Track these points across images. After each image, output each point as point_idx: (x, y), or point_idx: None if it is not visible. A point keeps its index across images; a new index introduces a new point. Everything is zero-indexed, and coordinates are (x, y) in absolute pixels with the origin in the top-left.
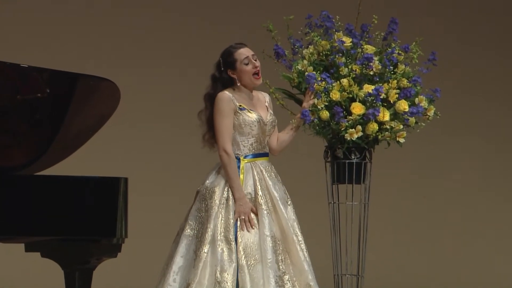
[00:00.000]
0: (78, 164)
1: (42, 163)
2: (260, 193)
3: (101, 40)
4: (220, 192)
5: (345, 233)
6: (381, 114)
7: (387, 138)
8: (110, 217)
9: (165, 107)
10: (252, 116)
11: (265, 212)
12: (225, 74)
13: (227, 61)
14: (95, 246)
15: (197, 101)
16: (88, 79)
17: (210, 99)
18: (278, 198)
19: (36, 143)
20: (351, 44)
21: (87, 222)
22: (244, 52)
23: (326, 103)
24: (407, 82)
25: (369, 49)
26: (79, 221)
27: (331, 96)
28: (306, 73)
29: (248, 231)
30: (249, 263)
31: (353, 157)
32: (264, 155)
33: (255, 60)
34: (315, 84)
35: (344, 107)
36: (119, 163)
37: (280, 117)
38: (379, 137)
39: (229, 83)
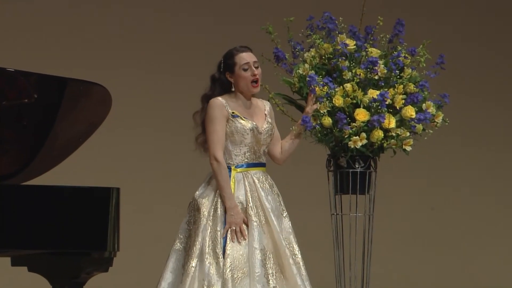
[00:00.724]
0: (67, 173)
1: (29, 172)
2: (251, 204)
3: (91, 42)
4: (209, 204)
5: (349, 246)
6: (386, 121)
7: (393, 146)
8: (101, 229)
9: (159, 113)
10: (245, 124)
11: (255, 224)
12: (223, 76)
13: (227, 63)
14: (85, 260)
15: (194, 106)
16: (78, 83)
17: (207, 100)
18: (270, 210)
19: (23, 151)
20: (355, 47)
21: (77, 234)
22: (245, 57)
23: (329, 109)
24: (414, 87)
25: (374, 52)
26: (68, 234)
27: (334, 101)
28: (309, 74)
29: (238, 242)
30: (235, 276)
31: (357, 166)
32: (259, 165)
33: (256, 68)
34: (317, 88)
35: (347, 113)
36: (111, 173)
37: (281, 124)
38: (385, 145)
39: (227, 86)
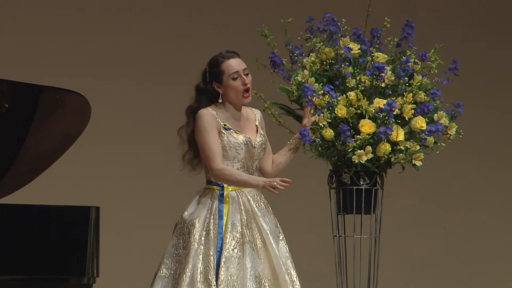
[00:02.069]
0: (41, 191)
1: None
2: (245, 225)
3: (67, 47)
4: (200, 226)
5: (353, 271)
6: (394, 133)
7: (402, 161)
8: (80, 252)
9: (143, 126)
10: (239, 137)
11: (249, 246)
12: (210, 87)
13: (213, 72)
14: (62, 287)
15: (183, 118)
16: (54, 91)
17: (193, 113)
18: (268, 232)
19: None
20: (359, 51)
21: (52, 258)
22: (233, 65)
23: (330, 120)
24: (424, 95)
25: (381, 57)
26: (43, 258)
27: (336, 112)
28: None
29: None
30: None
31: (361, 183)
32: None
33: (246, 75)
34: (314, 98)
35: (351, 124)
36: (90, 190)
37: (277, 137)
38: (392, 159)
39: (215, 97)
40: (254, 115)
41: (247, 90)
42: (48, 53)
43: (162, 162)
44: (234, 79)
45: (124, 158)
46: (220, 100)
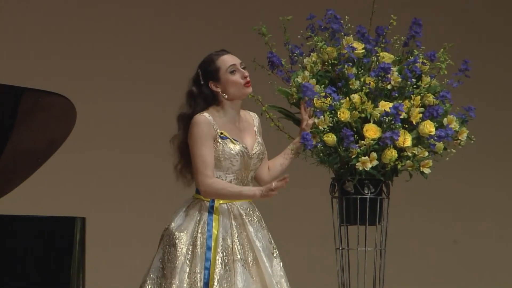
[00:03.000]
0: (23, 201)
1: None
2: (237, 241)
3: (50, 47)
4: (188, 238)
5: (357, 286)
6: (401, 138)
7: (409, 168)
8: (64, 267)
9: (133, 130)
10: (235, 147)
11: (241, 266)
12: (206, 89)
13: (208, 71)
14: None
15: (175, 123)
16: (36, 93)
17: (185, 120)
18: (261, 249)
19: None
20: (363, 51)
21: (34, 273)
22: (228, 59)
23: (331, 124)
24: (433, 98)
25: (386, 57)
26: (24, 272)
27: (338, 115)
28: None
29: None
30: None
31: (366, 191)
32: None
33: (244, 69)
34: (315, 100)
35: (355, 129)
36: (75, 200)
37: (275, 142)
38: (399, 166)
39: (212, 100)
40: (252, 120)
41: (248, 82)
42: (30, 53)
43: (154, 170)
44: (232, 72)
45: (113, 165)
46: (226, 96)
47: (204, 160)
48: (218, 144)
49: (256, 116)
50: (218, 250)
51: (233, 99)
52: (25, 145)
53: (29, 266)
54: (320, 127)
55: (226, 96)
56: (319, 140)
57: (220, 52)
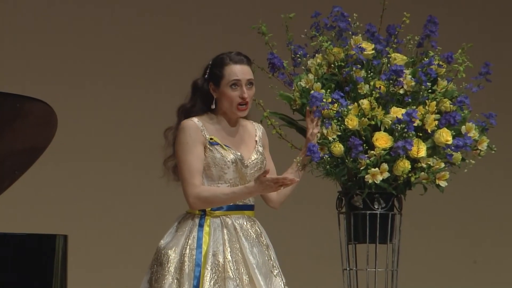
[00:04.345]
0: (0, 216)
1: None
2: (229, 258)
3: (30, 50)
4: (176, 256)
5: None
6: (414, 148)
7: (423, 181)
8: (45, 286)
9: (119, 140)
10: (227, 154)
11: (232, 283)
12: (206, 86)
13: (213, 73)
14: None
15: (161, 131)
16: (13, 99)
17: (185, 114)
18: (255, 266)
19: None
20: (373, 52)
21: None
22: (237, 72)
23: (339, 133)
24: (450, 104)
25: (399, 58)
26: None
27: (346, 123)
28: (312, 91)
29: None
30: None
31: (376, 206)
32: (243, 208)
33: (249, 88)
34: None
35: (364, 138)
36: (56, 216)
37: (277, 151)
38: (412, 179)
39: (209, 101)
40: (254, 129)
41: (244, 104)
42: (7, 57)
43: (141, 183)
44: (233, 87)
45: (98, 178)
46: (213, 107)
47: (189, 168)
48: (207, 150)
49: (260, 126)
50: (207, 266)
51: (225, 114)
52: (2, 156)
53: (9, 285)
54: (330, 138)
55: (213, 107)
56: (327, 152)
57: (236, 58)
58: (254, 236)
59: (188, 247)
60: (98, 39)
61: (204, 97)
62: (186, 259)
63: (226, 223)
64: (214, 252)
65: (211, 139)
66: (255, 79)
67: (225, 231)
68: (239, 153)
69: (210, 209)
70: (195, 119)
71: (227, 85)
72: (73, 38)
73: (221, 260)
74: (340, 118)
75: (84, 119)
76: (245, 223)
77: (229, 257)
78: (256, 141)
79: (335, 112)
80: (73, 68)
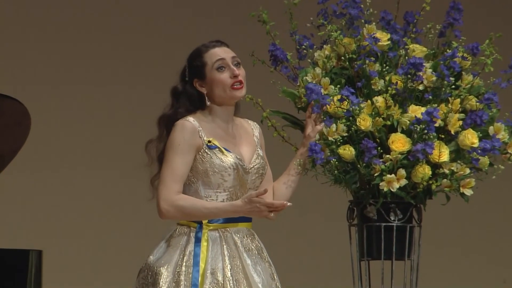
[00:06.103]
0: None
1: None
2: (229, 276)
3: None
4: (169, 274)
5: None
6: (435, 152)
7: (446, 189)
8: None
9: (102, 144)
10: (227, 159)
11: None
12: (190, 87)
13: (194, 67)
14: None
15: (147, 136)
16: None
17: (167, 124)
18: (260, 285)
19: None
20: (389, 43)
21: None
22: (218, 53)
23: (346, 134)
24: (476, 101)
25: (418, 50)
26: None
27: (358, 123)
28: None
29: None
30: None
31: (392, 218)
32: (242, 219)
33: (236, 66)
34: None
35: (378, 140)
36: (30, 230)
37: (278, 157)
38: (433, 187)
39: (198, 102)
40: (251, 129)
41: (238, 83)
42: None
43: (125, 193)
44: (220, 69)
45: (76, 188)
46: (208, 103)
47: (173, 171)
48: (205, 155)
49: (256, 125)
50: (205, 286)
51: (221, 104)
52: None
53: None
54: (330, 138)
55: (209, 103)
56: (329, 153)
57: (211, 44)
58: (255, 251)
59: (184, 264)
60: (94, 39)
61: (189, 99)
62: (182, 277)
63: (226, 237)
64: (213, 270)
65: (209, 141)
66: (255, 73)
67: (224, 246)
68: (239, 157)
69: (207, 221)
70: (191, 119)
71: (213, 70)
72: (43, 36)
73: (220, 278)
74: (351, 118)
75: (63, 122)
76: (245, 237)
77: (229, 275)
78: (255, 141)
79: (345, 111)
80: (52, 64)
